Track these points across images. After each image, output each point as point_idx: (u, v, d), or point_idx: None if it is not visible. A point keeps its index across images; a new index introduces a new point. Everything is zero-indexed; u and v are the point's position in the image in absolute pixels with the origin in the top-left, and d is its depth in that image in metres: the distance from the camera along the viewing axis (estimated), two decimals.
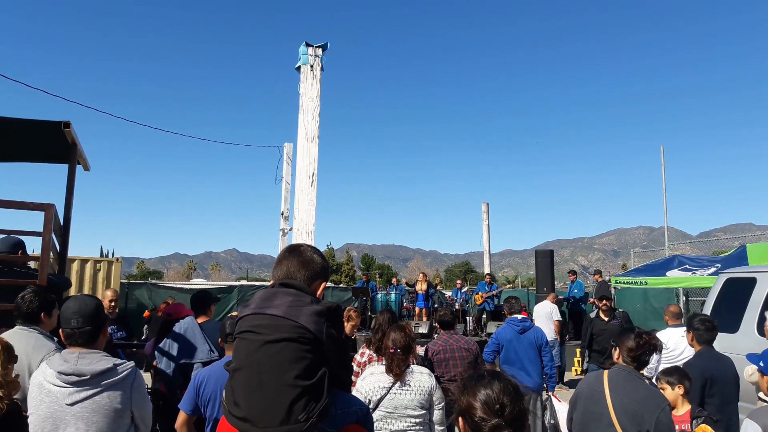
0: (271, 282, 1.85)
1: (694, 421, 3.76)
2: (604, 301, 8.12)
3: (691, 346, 4.84)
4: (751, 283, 6.27)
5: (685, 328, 5.36)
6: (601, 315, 8.09)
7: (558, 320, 11.26)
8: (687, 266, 11.12)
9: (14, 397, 2.70)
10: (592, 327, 8.00)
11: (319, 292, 1.84)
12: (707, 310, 6.67)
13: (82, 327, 2.63)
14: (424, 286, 16.27)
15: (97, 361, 2.61)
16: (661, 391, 3.84)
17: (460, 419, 1.69)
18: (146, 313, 14.52)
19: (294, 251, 1.90)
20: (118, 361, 2.68)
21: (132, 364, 2.74)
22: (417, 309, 16.08)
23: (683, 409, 3.86)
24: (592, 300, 14.73)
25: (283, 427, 1.51)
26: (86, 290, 13.52)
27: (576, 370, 12.82)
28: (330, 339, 1.65)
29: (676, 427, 3.74)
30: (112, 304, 6.88)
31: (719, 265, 10.74)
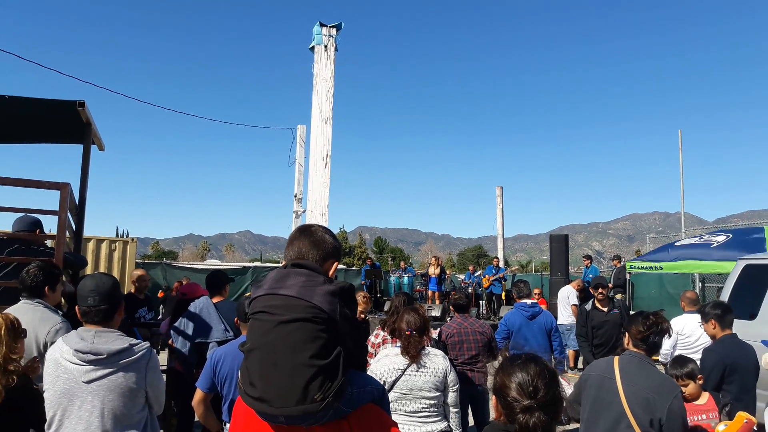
0: (284, 263, 1.84)
1: (725, 409, 3.71)
2: (600, 290, 7.14)
3: (712, 335, 4.71)
4: None
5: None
6: (597, 305, 7.14)
7: (575, 304, 11.21)
8: (692, 243, 11.01)
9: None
10: (590, 320, 7.12)
11: (331, 272, 1.83)
12: (725, 296, 6.58)
13: (99, 305, 2.64)
14: (437, 270, 16.26)
15: (113, 340, 2.63)
16: (683, 387, 3.76)
17: (493, 397, 1.71)
18: (160, 293, 14.68)
19: (305, 231, 1.89)
20: (134, 340, 2.70)
21: (147, 344, 2.75)
22: (429, 292, 16.09)
23: (704, 398, 3.80)
24: (610, 285, 14.65)
25: (300, 407, 1.51)
26: (102, 270, 13.65)
27: None
28: (344, 318, 1.65)
29: (702, 416, 3.69)
30: (144, 284, 6.98)
31: (730, 235, 10.61)
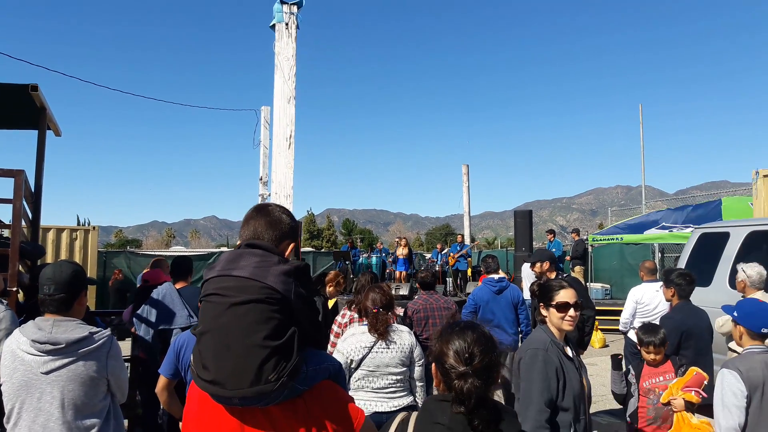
0: (238, 243, 1.81)
1: (681, 369, 3.87)
2: (538, 265, 5.90)
3: (668, 300, 4.92)
4: (724, 237, 6.39)
5: (660, 283, 5.46)
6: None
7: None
8: (663, 224, 11.34)
9: None
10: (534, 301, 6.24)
11: (287, 253, 1.79)
12: (682, 263, 6.79)
13: (55, 294, 2.58)
14: (405, 251, 16.40)
15: (72, 329, 2.57)
16: (654, 353, 3.90)
17: (433, 365, 1.71)
18: (111, 281, 14.57)
19: (261, 211, 1.85)
20: (94, 329, 2.64)
21: (108, 332, 2.70)
22: (397, 273, 16.24)
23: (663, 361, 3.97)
24: (568, 258, 15.04)
25: (254, 388, 1.50)
26: (62, 259, 13.34)
27: None
28: (299, 298, 1.63)
29: (660, 378, 3.84)
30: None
31: (690, 210, 10.99)
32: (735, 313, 3.19)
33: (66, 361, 2.51)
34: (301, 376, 1.62)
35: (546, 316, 2.83)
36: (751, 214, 9.58)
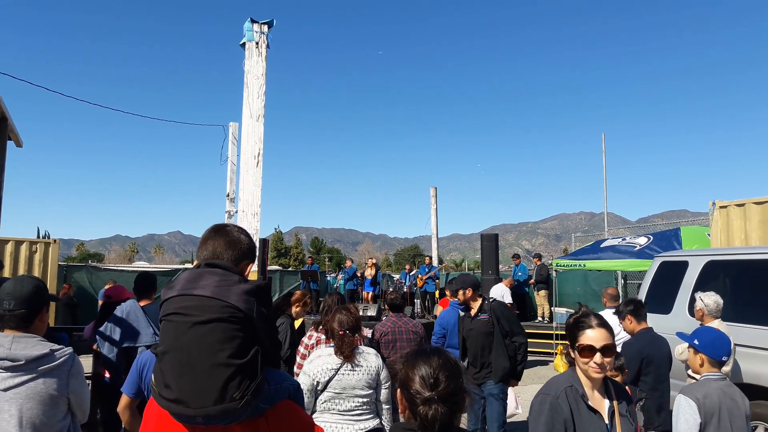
0: (196, 263, 1.82)
1: (639, 403, 3.93)
2: (461, 293, 5.51)
3: (630, 331, 4.94)
4: (683, 266, 6.56)
5: None
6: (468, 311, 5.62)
7: (510, 303, 11.56)
8: (616, 245, 11.62)
9: None
10: (462, 330, 5.62)
11: (246, 273, 1.83)
12: (643, 291, 6.96)
13: (15, 309, 2.51)
14: (372, 271, 16.40)
15: (32, 345, 2.51)
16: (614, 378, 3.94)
17: (398, 391, 1.72)
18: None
19: (220, 231, 1.87)
20: (55, 346, 2.58)
21: (70, 349, 2.64)
22: (364, 293, 16.23)
23: None
24: (532, 281, 15.28)
25: (218, 407, 1.51)
26: (21, 273, 12.93)
27: None
28: (260, 317, 1.65)
29: None
30: None
31: (651, 237, 11.29)
32: (696, 342, 3.28)
33: (25, 378, 2.44)
34: (264, 395, 1.63)
35: (574, 358, 2.45)
36: (708, 243, 9.88)
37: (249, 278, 1.81)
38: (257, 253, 1.94)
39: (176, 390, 1.54)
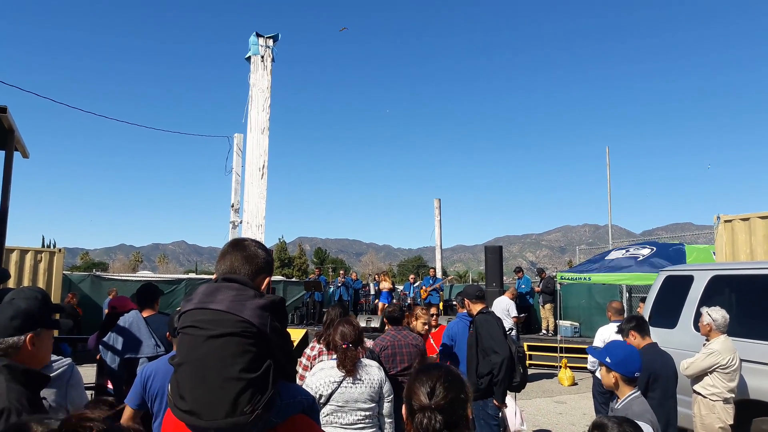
0: (215, 276, 1.85)
1: None
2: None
3: (635, 347, 4.90)
4: (688, 280, 6.53)
5: None
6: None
7: (515, 316, 11.55)
8: (620, 256, 11.57)
9: None
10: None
11: (263, 287, 1.84)
12: (648, 306, 6.91)
13: None
14: (388, 284, 16.91)
15: None
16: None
17: (404, 407, 1.72)
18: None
19: (238, 246, 1.91)
20: (55, 357, 2.57)
21: (69, 360, 2.63)
22: (381, 305, 16.46)
23: None
24: (538, 289, 15.32)
25: (229, 420, 1.53)
26: (26, 282, 12.97)
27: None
28: (274, 332, 1.67)
29: None
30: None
31: (654, 248, 11.23)
32: (608, 359, 3.19)
33: None
34: (276, 409, 1.65)
35: None
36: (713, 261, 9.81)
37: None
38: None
39: (190, 401, 1.58)
